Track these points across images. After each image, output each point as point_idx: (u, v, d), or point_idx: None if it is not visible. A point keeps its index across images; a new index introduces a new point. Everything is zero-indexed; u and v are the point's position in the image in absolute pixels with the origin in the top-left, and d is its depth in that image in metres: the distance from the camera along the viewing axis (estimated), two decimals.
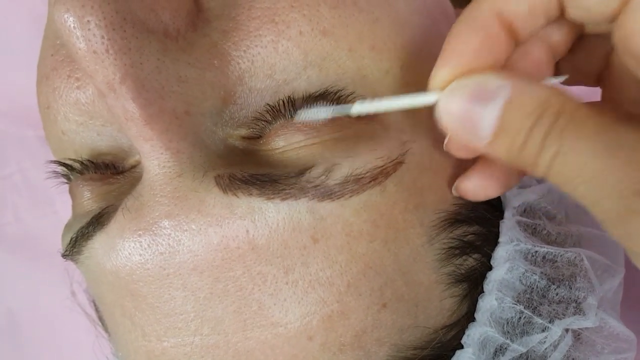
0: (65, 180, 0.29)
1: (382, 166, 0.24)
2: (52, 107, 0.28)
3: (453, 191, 0.27)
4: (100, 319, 0.32)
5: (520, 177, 0.27)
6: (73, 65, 0.27)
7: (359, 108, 0.24)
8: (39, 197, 0.60)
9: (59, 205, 0.59)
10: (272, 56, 0.25)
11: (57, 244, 0.58)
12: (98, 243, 0.25)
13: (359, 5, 0.25)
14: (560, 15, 0.23)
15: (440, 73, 0.22)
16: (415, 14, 0.28)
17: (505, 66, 0.23)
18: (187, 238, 0.24)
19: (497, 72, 0.21)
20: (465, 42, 0.22)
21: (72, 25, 0.22)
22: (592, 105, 0.21)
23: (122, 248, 0.24)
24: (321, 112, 0.24)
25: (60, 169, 0.28)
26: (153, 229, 0.24)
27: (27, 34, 0.57)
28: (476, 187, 0.26)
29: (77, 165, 0.27)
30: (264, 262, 0.24)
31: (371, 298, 0.24)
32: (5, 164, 0.62)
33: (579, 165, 0.19)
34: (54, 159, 0.53)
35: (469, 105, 0.21)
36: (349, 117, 0.25)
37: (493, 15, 0.22)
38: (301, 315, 0.24)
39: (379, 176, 0.24)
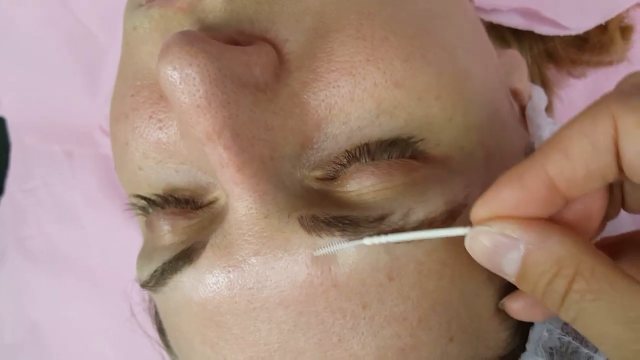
0: (141, 213, 0.31)
1: (450, 209, 0.27)
2: (131, 145, 0.29)
3: (499, 305, 0.28)
4: (166, 342, 0.34)
5: None
6: (156, 107, 0.29)
7: (382, 239, 0.25)
8: (64, 212, 0.61)
9: (85, 221, 0.60)
10: (348, 105, 0.27)
11: (84, 258, 0.59)
12: (186, 277, 0.27)
13: (427, 59, 0.28)
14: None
15: (476, 211, 0.24)
16: (471, 63, 0.30)
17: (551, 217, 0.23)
18: (274, 275, 0.26)
19: (517, 223, 0.22)
20: (509, 196, 0.23)
21: (177, 82, 0.24)
22: (610, 262, 0.22)
23: (211, 282, 0.26)
24: (337, 245, 0.25)
25: (140, 202, 0.30)
26: (242, 266, 0.26)
27: (56, 50, 0.58)
28: (521, 309, 0.27)
29: (158, 199, 0.29)
30: (344, 298, 0.26)
31: (440, 332, 0.27)
32: (30, 177, 0.63)
33: (600, 333, 0.21)
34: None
35: (491, 248, 0.23)
36: (414, 160, 0.27)
37: (542, 180, 0.22)
38: (377, 348, 0.26)
39: (448, 219, 0.26)
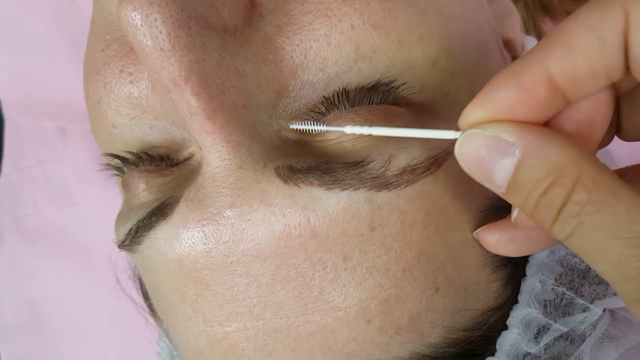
0: (117, 173, 0.30)
1: (435, 156, 0.25)
2: (103, 102, 0.28)
3: (473, 235, 0.26)
4: (151, 307, 0.33)
5: (545, 247, 0.26)
6: (125, 60, 0.28)
7: (370, 130, 0.24)
8: (58, 189, 0.60)
9: (79, 197, 0.60)
10: (325, 50, 0.25)
11: (78, 235, 0.59)
12: (160, 233, 0.26)
13: None
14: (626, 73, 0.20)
15: (468, 114, 0.21)
16: (457, 5, 0.29)
17: (549, 123, 0.21)
18: (250, 227, 0.25)
19: (514, 127, 0.20)
20: (504, 96, 0.20)
21: (139, 23, 0.23)
22: (614, 174, 0.20)
23: (186, 237, 0.25)
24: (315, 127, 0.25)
25: (114, 161, 0.29)
26: (217, 219, 0.25)
27: (44, 27, 0.57)
28: (495, 242, 0.26)
29: (132, 157, 0.28)
30: (324, 249, 0.25)
31: (425, 283, 0.26)
32: (23, 156, 0.62)
33: (600, 248, 0.19)
34: (78, 149, 0.53)
35: (484, 153, 0.21)
36: (396, 106, 0.26)
37: (542, 77, 0.20)
38: (360, 300, 0.25)
39: (431, 166, 0.25)
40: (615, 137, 0.25)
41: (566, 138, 0.20)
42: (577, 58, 0.19)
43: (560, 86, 0.20)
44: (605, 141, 0.24)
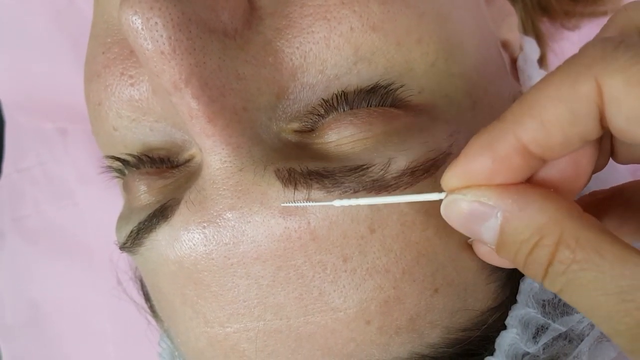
0: (118, 175, 0.30)
1: (434, 158, 0.26)
2: (104, 104, 0.29)
3: (468, 241, 0.26)
4: (152, 308, 0.33)
5: None
6: (126, 62, 0.28)
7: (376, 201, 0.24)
8: (59, 189, 0.60)
9: (80, 198, 0.60)
10: (324, 52, 0.26)
11: (79, 235, 0.59)
12: (161, 235, 0.26)
13: (406, 1, 0.26)
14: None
15: (448, 180, 0.22)
16: (455, 7, 0.29)
17: (530, 177, 0.21)
18: (251, 229, 0.25)
19: (492, 191, 0.20)
20: (480, 166, 0.20)
21: (139, 27, 0.23)
22: (597, 226, 0.19)
23: (186, 239, 0.26)
24: (305, 203, 0.24)
25: (115, 163, 0.29)
26: (217, 221, 0.25)
27: (44, 27, 0.57)
28: (487, 252, 0.26)
29: (133, 159, 0.28)
30: (324, 251, 0.25)
31: (424, 284, 0.26)
32: (24, 157, 0.62)
33: (589, 304, 0.19)
34: (77, 151, 0.53)
35: (468, 217, 0.21)
36: (395, 108, 0.26)
37: (515, 148, 0.20)
38: (359, 301, 0.25)
39: (430, 168, 0.25)
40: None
41: (546, 194, 0.20)
42: (549, 130, 0.19)
43: (534, 153, 0.20)
44: (600, 166, 0.24)
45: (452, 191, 0.22)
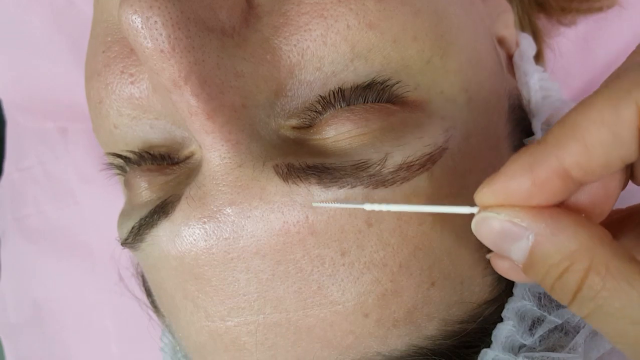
0: (119, 172, 0.30)
1: (430, 153, 0.26)
2: (105, 102, 0.29)
3: (487, 256, 0.26)
4: (153, 303, 0.34)
5: None
6: (126, 61, 0.28)
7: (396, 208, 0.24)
8: (60, 188, 0.61)
9: (80, 197, 0.60)
10: (321, 49, 0.26)
11: (80, 233, 0.59)
12: (162, 231, 0.27)
13: None
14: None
15: (483, 196, 0.22)
16: (451, 4, 0.29)
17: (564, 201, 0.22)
18: (250, 224, 0.25)
19: (526, 212, 0.21)
20: (517, 187, 0.21)
21: (139, 26, 0.23)
22: (627, 255, 0.20)
23: (187, 234, 0.26)
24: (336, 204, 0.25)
25: (116, 160, 0.29)
26: (217, 216, 0.25)
27: (44, 27, 0.57)
28: (506, 269, 0.25)
29: (134, 156, 0.29)
30: (323, 245, 0.25)
31: (421, 277, 0.26)
32: (25, 156, 0.63)
33: (617, 331, 0.19)
34: (73, 151, 0.53)
35: (500, 235, 0.21)
36: (391, 104, 0.27)
37: (556, 171, 0.20)
38: (357, 294, 0.26)
39: (427, 163, 0.26)
40: None
41: (579, 221, 0.20)
42: (593, 153, 0.19)
43: (574, 177, 0.20)
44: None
45: (485, 207, 0.22)
